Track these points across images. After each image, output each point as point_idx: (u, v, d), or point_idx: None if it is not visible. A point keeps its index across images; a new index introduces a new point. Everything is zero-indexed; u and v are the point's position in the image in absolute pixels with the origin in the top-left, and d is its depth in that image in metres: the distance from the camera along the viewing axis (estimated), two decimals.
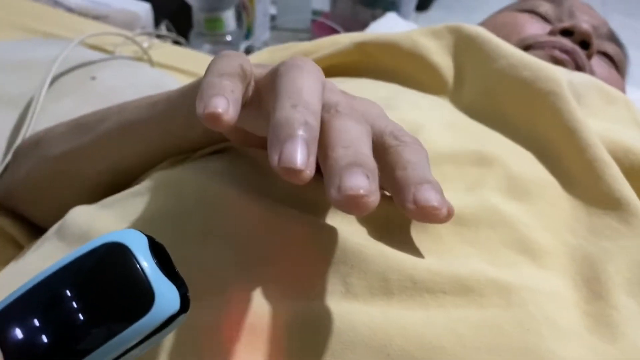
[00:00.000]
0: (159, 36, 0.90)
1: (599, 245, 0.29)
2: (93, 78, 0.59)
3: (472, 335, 0.23)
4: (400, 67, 0.44)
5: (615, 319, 0.26)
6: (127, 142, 0.36)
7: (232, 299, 0.24)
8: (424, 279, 0.25)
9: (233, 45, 1.11)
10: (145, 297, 0.18)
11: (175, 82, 0.66)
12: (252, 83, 0.26)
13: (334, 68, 0.46)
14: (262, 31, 1.20)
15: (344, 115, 0.24)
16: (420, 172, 0.24)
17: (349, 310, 0.24)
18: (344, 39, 0.48)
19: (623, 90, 0.58)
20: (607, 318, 0.26)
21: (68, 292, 0.19)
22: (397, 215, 0.28)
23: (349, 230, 0.26)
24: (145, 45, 0.79)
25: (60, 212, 0.36)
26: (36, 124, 0.51)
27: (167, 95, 0.36)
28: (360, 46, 0.45)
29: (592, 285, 0.27)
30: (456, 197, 0.30)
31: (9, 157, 0.46)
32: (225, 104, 0.22)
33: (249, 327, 0.23)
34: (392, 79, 0.43)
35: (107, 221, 0.30)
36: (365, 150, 0.23)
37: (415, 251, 0.26)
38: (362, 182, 0.21)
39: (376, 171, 0.22)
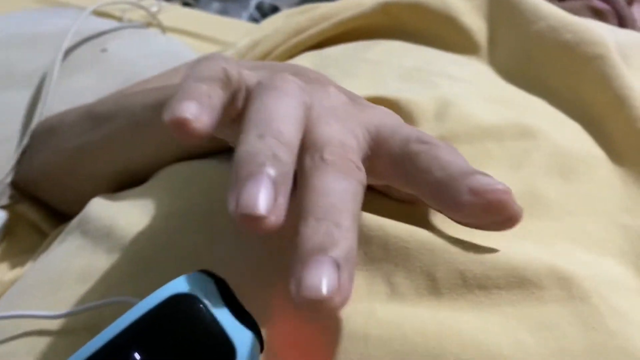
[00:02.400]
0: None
1: None
2: (104, 50, 0.57)
3: (533, 340, 0.21)
4: (429, 29, 0.41)
5: None
6: (137, 145, 0.34)
7: (276, 306, 0.23)
8: (474, 274, 0.23)
9: (243, 1, 1.08)
10: (225, 351, 0.17)
11: (187, 50, 0.64)
12: (244, 92, 0.22)
13: (358, 31, 0.44)
14: None
15: (329, 167, 0.20)
16: (466, 166, 0.21)
17: (397, 314, 0.22)
18: (368, 0, 0.45)
19: None
20: None
21: (140, 355, 0.17)
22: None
23: (389, 224, 0.25)
24: (154, 9, 0.76)
25: (79, 201, 0.35)
26: (51, 103, 0.49)
27: (172, 90, 0.33)
28: (386, 7, 0.42)
29: None
30: (500, 179, 0.28)
31: (26, 140, 0.45)
32: (196, 110, 0.18)
33: (294, 336, 0.22)
34: (421, 41, 0.41)
35: (130, 217, 0.29)
36: (345, 222, 0.18)
37: (461, 243, 0.24)
38: (326, 280, 0.17)
39: (354, 252, 0.18)
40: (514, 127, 0.31)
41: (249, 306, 0.19)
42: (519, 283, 0.23)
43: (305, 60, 0.39)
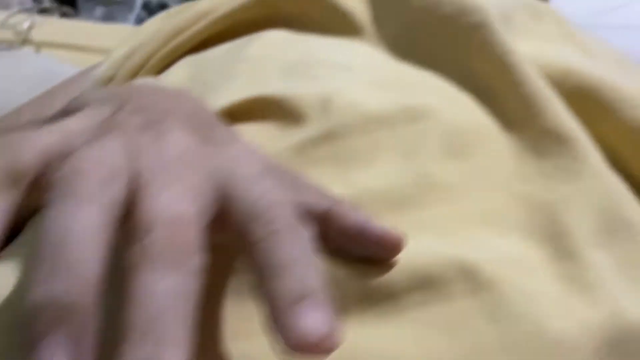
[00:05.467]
0: (41, 11, 0.81)
1: (556, 192, 0.27)
2: None
3: (446, 344, 0.20)
4: (309, 15, 0.39)
5: (590, 280, 0.24)
6: None
7: None
8: (378, 284, 0.22)
9: (128, 3, 1.02)
10: None
11: (65, 66, 0.59)
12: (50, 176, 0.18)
13: (239, 26, 0.41)
14: None
15: (151, 261, 0.16)
16: (296, 281, 0.17)
17: None
18: None
19: None
20: (582, 280, 0.24)
21: None
22: None
23: None
24: (25, 25, 0.71)
25: None
26: None
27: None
28: None
29: (559, 242, 0.25)
30: (394, 172, 0.27)
31: None
32: None
33: None
34: (303, 29, 0.39)
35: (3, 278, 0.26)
36: (171, 335, 0.15)
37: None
38: None
39: None
40: (403, 111, 0.30)
41: None
42: (424, 283, 0.22)
43: (183, 67, 0.37)
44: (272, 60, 0.34)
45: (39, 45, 0.67)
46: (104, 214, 0.17)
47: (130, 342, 0.15)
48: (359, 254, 0.23)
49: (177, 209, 0.18)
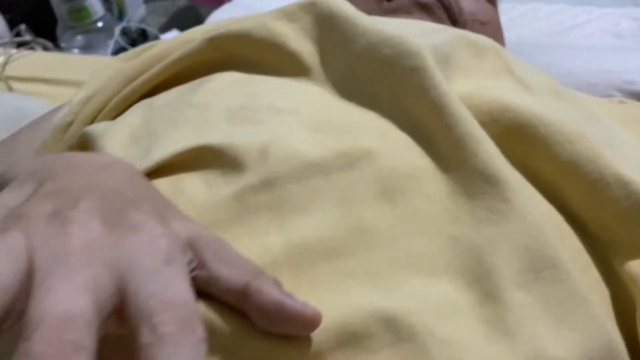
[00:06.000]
0: (19, 45, 0.82)
1: (484, 234, 0.28)
2: None
3: None
4: (258, 58, 0.40)
5: (511, 322, 0.25)
6: None
7: None
8: (306, 345, 0.23)
9: (107, 30, 1.03)
10: None
11: (36, 104, 0.60)
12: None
13: (192, 69, 0.42)
14: (135, 8, 1.11)
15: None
16: None
17: None
18: (197, 34, 0.44)
19: (496, 16, 0.56)
20: (503, 322, 0.25)
21: None
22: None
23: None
24: (0, 60, 0.72)
25: None
26: None
27: None
28: (213, 42, 0.41)
29: (484, 284, 0.26)
30: (328, 220, 0.28)
31: None
32: None
33: None
34: (253, 70, 0.40)
35: None
36: None
37: None
38: None
39: None
40: (340, 157, 0.30)
41: None
42: (348, 339, 0.23)
43: (135, 113, 0.38)
44: (218, 106, 0.35)
45: (13, 80, 0.68)
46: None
47: None
48: (275, 331, 0.23)
49: (67, 306, 0.18)
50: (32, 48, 0.85)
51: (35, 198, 0.23)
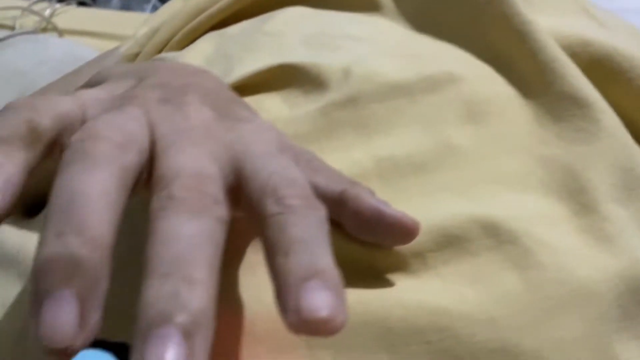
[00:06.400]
0: (60, 0, 0.82)
1: (575, 152, 0.28)
2: None
3: (474, 292, 0.22)
4: None
5: (610, 232, 0.25)
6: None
7: None
8: (405, 246, 0.23)
9: None
10: None
11: (86, 50, 0.61)
12: (66, 141, 0.19)
13: (257, 5, 0.42)
14: None
15: (177, 206, 0.16)
16: (307, 259, 0.17)
17: None
18: None
19: None
20: (602, 231, 0.25)
21: None
22: None
23: None
24: (47, 13, 0.72)
25: None
26: None
27: None
28: None
29: (579, 197, 0.26)
30: (414, 138, 0.28)
31: None
32: None
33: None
34: (321, 5, 0.40)
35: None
36: (198, 274, 0.15)
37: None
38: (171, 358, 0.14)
39: (209, 311, 0.15)
40: (423, 80, 0.31)
41: None
42: (448, 242, 0.23)
43: (206, 42, 0.38)
44: (293, 33, 0.35)
45: (61, 31, 0.68)
46: (116, 177, 0.17)
47: (155, 278, 0.15)
48: (371, 240, 0.22)
49: (199, 166, 0.18)
50: (70, 4, 0.85)
51: (141, 87, 0.23)
